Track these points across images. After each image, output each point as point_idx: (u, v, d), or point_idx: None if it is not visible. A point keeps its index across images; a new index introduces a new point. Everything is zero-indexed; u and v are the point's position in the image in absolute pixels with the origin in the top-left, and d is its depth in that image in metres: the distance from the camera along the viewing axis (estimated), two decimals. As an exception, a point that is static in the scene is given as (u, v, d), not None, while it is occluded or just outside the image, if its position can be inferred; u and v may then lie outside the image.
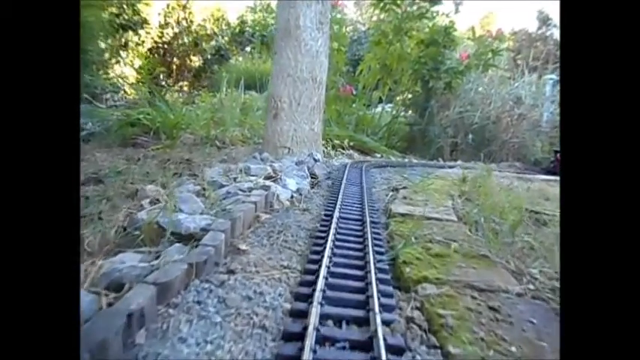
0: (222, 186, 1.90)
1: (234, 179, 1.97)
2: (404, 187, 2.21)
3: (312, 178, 2.46)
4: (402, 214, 1.65)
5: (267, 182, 1.99)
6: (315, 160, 2.81)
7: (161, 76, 7.68)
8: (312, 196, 2.01)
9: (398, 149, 5.59)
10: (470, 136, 5.39)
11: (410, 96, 6.16)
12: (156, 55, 7.00)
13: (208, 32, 9.95)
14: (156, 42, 7.02)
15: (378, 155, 4.62)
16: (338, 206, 1.64)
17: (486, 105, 5.68)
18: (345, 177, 2.36)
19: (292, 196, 1.94)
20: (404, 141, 5.96)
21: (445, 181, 2.55)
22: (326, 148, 4.09)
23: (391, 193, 2.06)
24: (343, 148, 4.33)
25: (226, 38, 10.16)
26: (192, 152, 3.63)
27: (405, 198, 1.97)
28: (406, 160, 4.62)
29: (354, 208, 1.70)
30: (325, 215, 1.57)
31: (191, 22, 9.67)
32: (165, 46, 7.03)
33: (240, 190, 1.73)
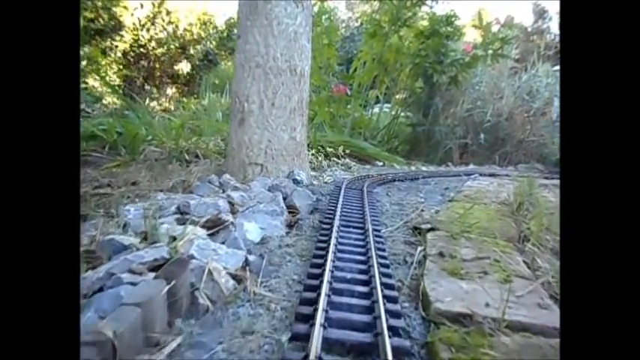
0: (124, 248, 1.02)
1: (144, 237, 1.08)
2: (432, 228, 1.31)
3: (290, 212, 1.57)
4: (455, 318, 0.76)
5: (204, 237, 1.09)
6: (297, 182, 1.92)
7: (144, 84, 6.80)
8: (282, 259, 1.11)
9: (400, 153, 4.70)
10: (481, 135, 4.49)
11: (410, 93, 5.25)
12: (131, 60, 6.10)
13: (195, 37, 9.11)
14: (131, 45, 6.13)
15: (380, 163, 3.73)
16: (323, 299, 0.76)
17: (497, 100, 4.79)
18: (339, 208, 1.47)
19: (246, 263, 1.04)
20: (406, 144, 5.07)
21: (487, 207, 1.65)
22: (317, 158, 3.20)
23: (419, 249, 1.15)
24: (338, 157, 3.43)
25: (214, 42, 9.30)
26: (152, 170, 2.75)
27: (442, 256, 1.08)
28: (413, 167, 3.72)
29: (354, 299, 0.81)
30: (292, 338, 0.68)
31: (176, 26, 8.81)
32: (141, 49, 6.12)
33: (132, 271, 0.84)
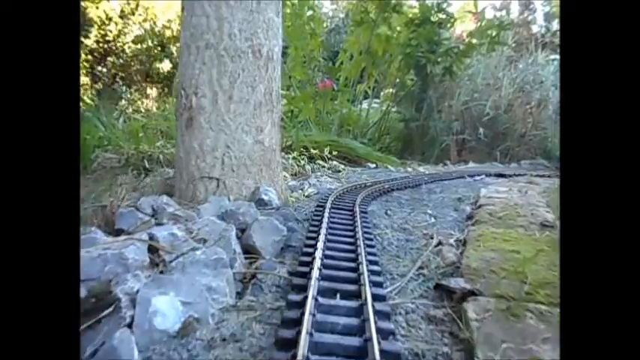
0: None
1: None
2: (472, 292, 0.77)
3: (247, 258, 1.01)
4: None
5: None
6: (264, 204, 1.36)
7: (112, 83, 6.14)
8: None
9: (393, 152, 4.17)
10: (480, 130, 3.98)
11: (402, 87, 4.71)
12: (98, 56, 5.45)
13: (175, 34, 8.46)
14: (97, 41, 5.46)
15: (372, 165, 3.19)
16: None
17: (494, 91, 4.28)
18: (319, 249, 0.93)
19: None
20: (399, 141, 4.53)
21: (529, 236, 1.12)
22: (299, 162, 2.64)
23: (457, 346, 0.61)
24: (324, 160, 2.88)
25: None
26: (100, 182, 2.18)
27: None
28: (409, 168, 3.19)
29: None
30: None
31: (154, 23, 8.14)
32: (109, 45, 5.46)
33: None
